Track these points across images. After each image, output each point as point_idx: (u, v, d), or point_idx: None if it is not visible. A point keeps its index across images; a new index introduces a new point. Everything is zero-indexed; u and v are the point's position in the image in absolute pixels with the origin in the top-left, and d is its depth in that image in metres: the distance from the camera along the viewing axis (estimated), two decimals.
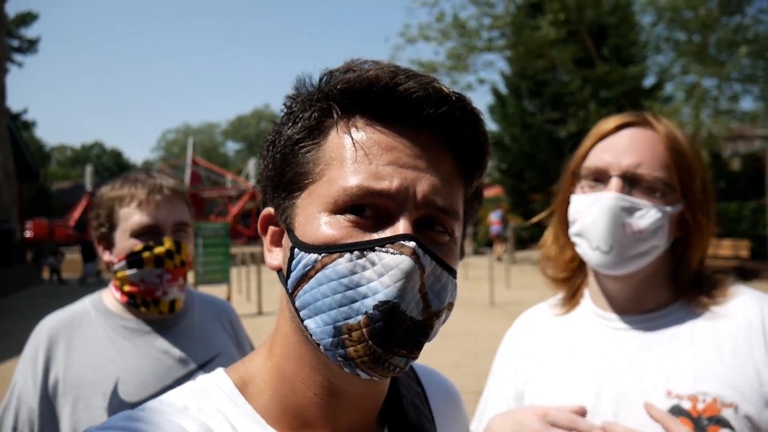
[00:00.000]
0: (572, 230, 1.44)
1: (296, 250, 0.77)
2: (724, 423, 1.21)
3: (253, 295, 14.37)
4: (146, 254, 1.77)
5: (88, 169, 36.69)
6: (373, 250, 0.71)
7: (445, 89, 0.75)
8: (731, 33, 15.42)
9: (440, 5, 16.78)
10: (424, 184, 0.74)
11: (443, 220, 0.77)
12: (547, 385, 1.44)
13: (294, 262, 0.77)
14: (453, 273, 0.78)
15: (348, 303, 0.71)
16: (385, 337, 0.71)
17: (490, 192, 32.88)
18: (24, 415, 1.69)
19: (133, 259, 1.78)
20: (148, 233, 1.79)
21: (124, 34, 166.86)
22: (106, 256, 1.85)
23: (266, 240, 0.86)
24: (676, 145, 1.37)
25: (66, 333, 1.76)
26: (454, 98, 0.75)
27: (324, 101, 0.78)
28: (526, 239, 25.03)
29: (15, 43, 44.23)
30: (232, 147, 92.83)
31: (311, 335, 0.75)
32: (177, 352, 1.82)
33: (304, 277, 0.75)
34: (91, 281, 20.73)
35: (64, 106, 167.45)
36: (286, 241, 0.81)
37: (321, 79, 0.79)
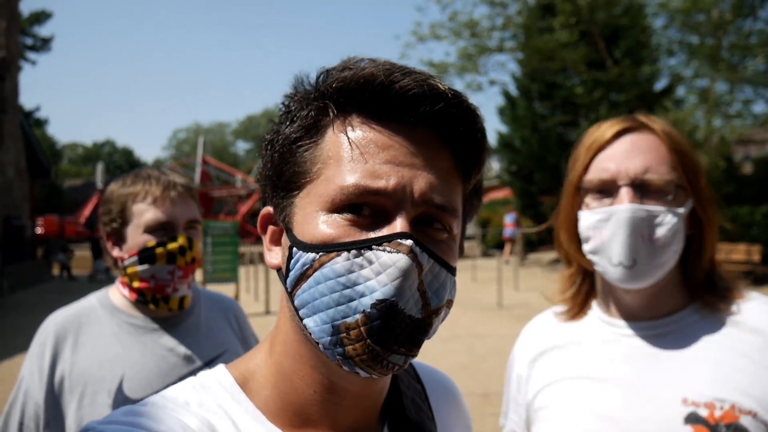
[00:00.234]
0: (587, 248, 1.39)
1: (294, 249, 0.77)
2: (742, 430, 1.18)
3: (261, 294, 14.41)
4: (159, 250, 1.78)
5: (99, 167, 36.96)
6: (370, 249, 0.72)
7: (440, 86, 0.74)
8: (744, 36, 15.29)
9: (453, 3, 16.71)
10: (421, 182, 0.74)
11: (441, 218, 0.77)
12: (561, 397, 1.41)
13: (292, 261, 0.77)
14: (452, 270, 0.78)
15: (345, 302, 0.72)
16: (383, 335, 0.71)
17: (499, 194, 32.80)
18: (30, 411, 1.70)
19: (145, 255, 1.78)
20: (161, 229, 1.80)
21: (136, 33, 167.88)
22: (116, 252, 1.85)
23: (266, 239, 0.86)
24: (676, 143, 1.34)
25: (72, 329, 1.77)
26: (450, 95, 0.74)
27: (320, 100, 0.78)
28: (535, 242, 24.95)
29: (29, 41, 44.60)
30: (242, 146, 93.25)
31: (310, 334, 0.76)
32: (182, 350, 1.83)
33: (303, 276, 0.75)
34: (101, 278, 20.85)
35: (76, 104, 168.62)
36: (284, 240, 0.81)
37: (318, 78, 0.79)
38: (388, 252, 0.71)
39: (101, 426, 0.74)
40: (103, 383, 1.69)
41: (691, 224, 1.37)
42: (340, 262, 0.72)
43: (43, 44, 46.24)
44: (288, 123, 0.81)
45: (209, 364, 1.83)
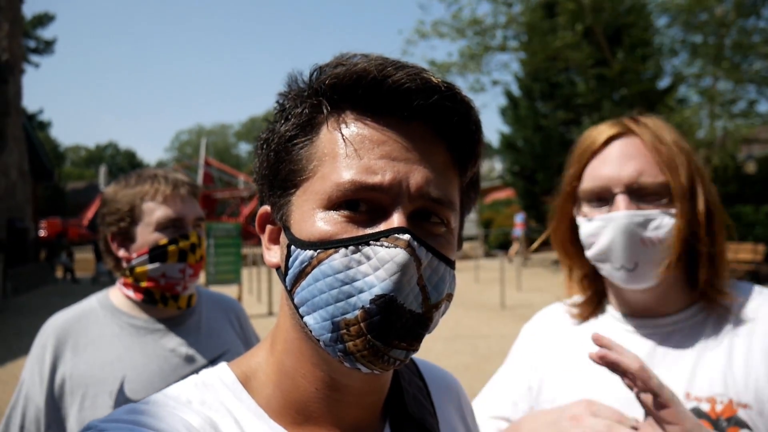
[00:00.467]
0: (590, 254, 1.42)
1: (293, 247, 0.77)
2: (741, 424, 1.21)
3: (263, 295, 14.42)
4: (172, 247, 1.79)
5: (102, 170, 37.13)
6: (368, 245, 0.71)
7: (434, 79, 0.74)
8: (746, 35, 15.25)
9: (458, 1, 16.63)
10: (417, 176, 0.74)
11: (439, 211, 0.77)
12: (565, 388, 1.43)
13: (291, 259, 0.77)
14: (451, 264, 0.78)
15: (345, 298, 0.72)
16: (383, 330, 0.71)
17: (501, 194, 32.79)
18: (31, 414, 1.69)
19: (156, 253, 1.79)
20: (171, 227, 1.81)
21: (139, 36, 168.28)
22: (122, 253, 1.84)
23: (264, 238, 0.86)
24: (662, 145, 1.35)
25: (73, 331, 1.77)
26: (443, 88, 0.74)
27: (314, 97, 0.78)
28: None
29: (32, 44, 44.69)
30: (244, 148, 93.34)
31: (311, 331, 0.75)
32: (184, 350, 1.83)
33: (302, 274, 0.75)
34: (104, 280, 20.89)
35: (79, 107, 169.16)
36: (283, 238, 0.81)
37: (311, 75, 0.79)
38: (386, 247, 0.70)
39: (103, 424, 0.74)
40: (104, 385, 1.69)
41: (692, 224, 1.38)
42: (338, 258, 0.72)
43: (46, 47, 46.34)
44: (283, 121, 0.81)
45: (211, 364, 1.81)
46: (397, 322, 0.71)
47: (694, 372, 1.30)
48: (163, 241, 1.79)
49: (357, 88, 0.75)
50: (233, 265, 13.00)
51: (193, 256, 1.83)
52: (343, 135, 0.76)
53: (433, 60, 17.69)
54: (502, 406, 1.53)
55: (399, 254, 0.70)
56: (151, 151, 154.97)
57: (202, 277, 12.95)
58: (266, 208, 0.85)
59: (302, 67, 0.81)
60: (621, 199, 1.33)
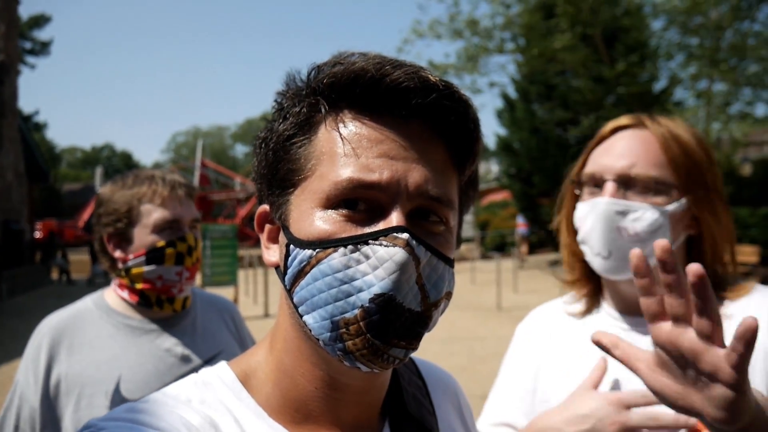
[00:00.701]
0: (579, 237, 1.45)
1: (291, 246, 0.77)
2: None
3: (260, 297, 14.40)
4: (169, 250, 1.79)
5: (98, 171, 37.08)
6: (367, 244, 0.71)
7: (432, 78, 0.74)
8: (741, 38, 15.31)
9: (456, 2, 16.65)
10: (415, 175, 0.74)
11: (437, 210, 0.77)
12: (559, 387, 1.42)
13: (290, 258, 0.77)
14: (450, 262, 0.78)
15: (344, 297, 0.72)
16: (382, 329, 0.71)
17: (498, 196, 32.82)
18: (26, 415, 1.69)
19: (153, 255, 1.78)
20: (168, 229, 1.81)
21: (135, 37, 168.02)
22: (118, 253, 1.84)
23: (263, 237, 0.86)
24: (672, 142, 1.35)
25: (68, 331, 1.76)
26: (441, 86, 0.74)
27: (312, 96, 0.78)
28: (535, 243, 24.96)
29: (27, 45, 44.62)
30: (241, 150, 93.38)
31: (310, 330, 0.75)
32: (179, 350, 1.82)
33: (300, 273, 0.75)
34: (100, 282, 20.83)
35: (75, 108, 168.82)
36: (282, 237, 0.81)
37: (309, 74, 0.79)
38: (385, 246, 0.70)
39: (102, 423, 0.74)
40: (100, 385, 1.69)
41: (691, 224, 1.38)
42: (337, 257, 0.72)
43: (42, 48, 46.27)
44: (281, 120, 0.81)
45: (206, 364, 1.81)
46: (396, 321, 0.71)
47: None
48: (161, 243, 1.79)
49: (355, 87, 0.75)
50: (229, 267, 12.96)
51: (189, 259, 1.83)
52: (341, 134, 0.76)
53: (431, 60, 17.70)
54: (510, 411, 1.54)
55: (398, 253, 0.70)
56: (148, 152, 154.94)
57: (198, 279, 12.92)
58: (265, 207, 0.85)
59: (303, 69, 0.81)
60: (608, 186, 1.35)
